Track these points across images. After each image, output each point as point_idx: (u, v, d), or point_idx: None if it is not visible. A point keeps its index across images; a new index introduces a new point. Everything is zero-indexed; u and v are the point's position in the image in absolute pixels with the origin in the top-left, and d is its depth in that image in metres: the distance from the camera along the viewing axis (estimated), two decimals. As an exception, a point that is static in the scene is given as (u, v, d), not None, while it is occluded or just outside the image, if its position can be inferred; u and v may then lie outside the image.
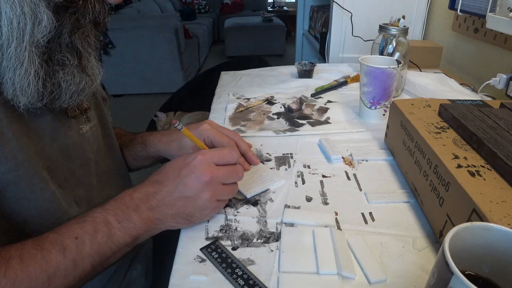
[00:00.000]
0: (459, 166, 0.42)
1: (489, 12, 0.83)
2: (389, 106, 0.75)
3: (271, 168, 0.62)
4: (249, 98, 0.93)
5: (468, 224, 0.29)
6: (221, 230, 0.48)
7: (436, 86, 0.91)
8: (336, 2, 1.30)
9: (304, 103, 0.88)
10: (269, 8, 6.09)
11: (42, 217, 0.45)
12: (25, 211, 0.43)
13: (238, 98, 0.94)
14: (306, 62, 1.10)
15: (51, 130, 0.47)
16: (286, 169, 0.62)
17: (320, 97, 0.93)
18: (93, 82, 0.46)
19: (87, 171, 0.54)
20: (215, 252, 0.43)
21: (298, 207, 0.52)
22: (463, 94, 0.89)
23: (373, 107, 0.77)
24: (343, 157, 0.64)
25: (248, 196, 0.54)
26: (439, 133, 0.51)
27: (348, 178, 0.59)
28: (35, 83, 0.39)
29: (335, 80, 1.02)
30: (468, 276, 0.25)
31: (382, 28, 0.90)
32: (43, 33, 0.38)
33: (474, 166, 0.42)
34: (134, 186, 0.46)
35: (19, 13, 0.36)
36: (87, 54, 0.44)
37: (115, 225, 0.43)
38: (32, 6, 0.36)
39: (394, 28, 0.88)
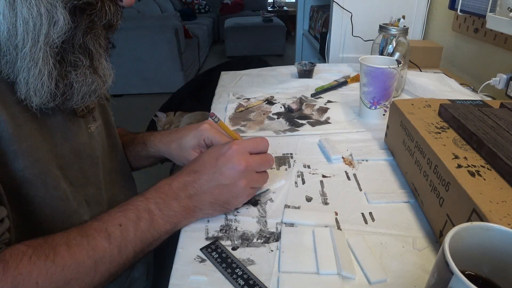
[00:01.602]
0: (459, 166, 0.42)
1: (489, 12, 0.83)
2: (389, 106, 0.75)
3: (271, 168, 0.62)
4: (249, 98, 0.93)
5: (468, 224, 0.29)
6: (221, 230, 0.48)
7: (436, 86, 0.91)
8: (336, 2, 1.30)
9: (304, 103, 0.88)
10: (269, 8, 6.09)
11: (54, 216, 0.45)
12: (38, 209, 0.44)
13: (238, 98, 0.94)
14: (306, 62, 1.10)
15: (62, 129, 0.47)
16: (286, 169, 0.62)
17: (320, 97, 0.93)
18: (104, 83, 0.47)
19: (96, 170, 0.54)
20: (215, 252, 0.44)
21: (298, 207, 0.52)
22: (463, 94, 0.89)
23: (373, 107, 0.77)
24: (343, 157, 0.64)
25: (248, 196, 0.54)
26: (439, 133, 0.51)
27: (348, 178, 0.59)
28: (48, 84, 0.40)
29: (335, 80, 1.02)
30: (468, 276, 0.25)
31: (382, 28, 0.90)
32: (58, 33, 0.38)
33: (474, 166, 0.42)
34: (171, 176, 0.48)
35: (35, 14, 0.36)
36: (98, 56, 0.45)
37: (156, 213, 0.44)
38: (49, 7, 0.37)
39: (394, 28, 0.88)
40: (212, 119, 0.50)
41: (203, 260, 0.43)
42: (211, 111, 0.50)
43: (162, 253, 0.74)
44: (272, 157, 0.51)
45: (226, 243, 0.45)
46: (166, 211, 0.45)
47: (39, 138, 0.43)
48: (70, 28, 0.39)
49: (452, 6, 1.09)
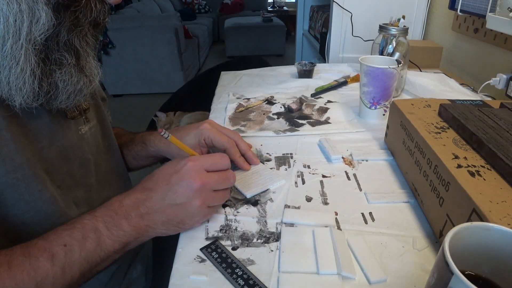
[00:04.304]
0: (459, 166, 0.42)
1: (489, 12, 0.83)
2: (389, 106, 0.75)
3: (271, 168, 0.62)
4: (249, 98, 0.93)
5: (468, 224, 0.29)
6: (221, 230, 0.48)
7: (436, 86, 0.91)
8: (336, 2, 1.30)
9: (304, 103, 0.88)
10: (269, 8, 6.09)
11: (41, 219, 0.44)
12: (24, 213, 0.43)
13: (238, 98, 0.94)
14: (306, 62, 1.10)
15: (49, 131, 0.46)
16: (286, 169, 0.62)
17: (320, 97, 0.93)
18: (91, 83, 0.45)
19: (86, 172, 0.53)
20: (215, 252, 0.43)
21: (298, 207, 0.52)
22: (463, 94, 0.89)
23: (373, 107, 0.77)
24: (343, 157, 0.64)
25: (248, 196, 0.54)
26: (439, 133, 0.51)
27: (348, 178, 0.59)
28: (31, 83, 0.38)
29: (335, 80, 1.02)
30: (468, 276, 0.25)
31: (382, 28, 0.90)
32: (40, 31, 0.37)
33: (474, 166, 0.42)
34: (124, 193, 0.46)
35: (16, 10, 0.35)
36: (85, 54, 0.44)
37: (104, 232, 0.42)
38: (30, 3, 0.36)
39: (394, 28, 0.88)
40: (162, 135, 0.46)
41: (203, 260, 0.43)
42: (159, 128, 0.46)
43: (162, 253, 0.74)
44: (232, 174, 0.48)
45: (226, 243, 0.45)
46: (115, 231, 0.43)
47: (24, 142, 0.42)
48: (54, 25, 0.38)
49: (452, 6, 1.09)
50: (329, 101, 0.90)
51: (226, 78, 1.10)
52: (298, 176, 0.59)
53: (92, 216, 0.43)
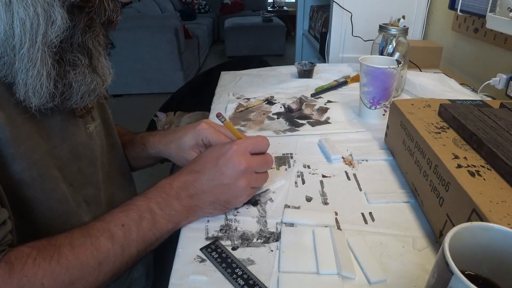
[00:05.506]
0: (459, 166, 0.42)
1: (489, 12, 0.83)
2: (389, 106, 0.75)
3: (271, 168, 0.62)
4: (249, 98, 0.93)
5: (468, 224, 0.29)
6: (221, 230, 0.48)
7: (436, 86, 0.91)
8: (336, 2, 1.30)
9: (304, 103, 0.88)
10: (269, 8, 6.08)
11: (53, 217, 0.45)
12: (37, 211, 0.44)
13: (238, 98, 0.94)
14: (306, 62, 1.10)
15: (60, 130, 0.47)
16: (286, 169, 0.62)
17: (320, 97, 0.93)
18: (103, 82, 0.46)
19: (95, 170, 0.54)
20: (215, 252, 0.44)
21: (298, 207, 0.52)
22: (463, 94, 0.89)
23: (373, 107, 0.77)
24: (343, 157, 0.64)
25: (248, 196, 0.54)
26: (439, 133, 0.51)
27: (348, 178, 0.59)
28: (47, 84, 0.39)
29: (335, 80, 1.02)
30: (468, 276, 0.25)
31: (382, 28, 0.90)
32: (56, 33, 0.38)
33: (474, 166, 0.42)
34: (171, 176, 0.48)
35: (32, 14, 0.36)
36: (98, 54, 0.44)
37: (158, 213, 0.45)
38: (45, 6, 0.36)
39: (394, 28, 0.88)
40: (219, 119, 0.50)
41: (203, 260, 0.43)
42: (218, 112, 0.50)
43: (162, 253, 0.74)
44: (272, 158, 0.52)
45: (226, 243, 0.45)
46: (167, 211, 0.45)
47: (37, 140, 0.43)
48: (69, 27, 0.39)
49: (452, 6, 1.09)
50: (329, 101, 0.90)
51: (226, 78, 1.10)
52: (298, 176, 0.59)
53: (146, 197, 0.45)
